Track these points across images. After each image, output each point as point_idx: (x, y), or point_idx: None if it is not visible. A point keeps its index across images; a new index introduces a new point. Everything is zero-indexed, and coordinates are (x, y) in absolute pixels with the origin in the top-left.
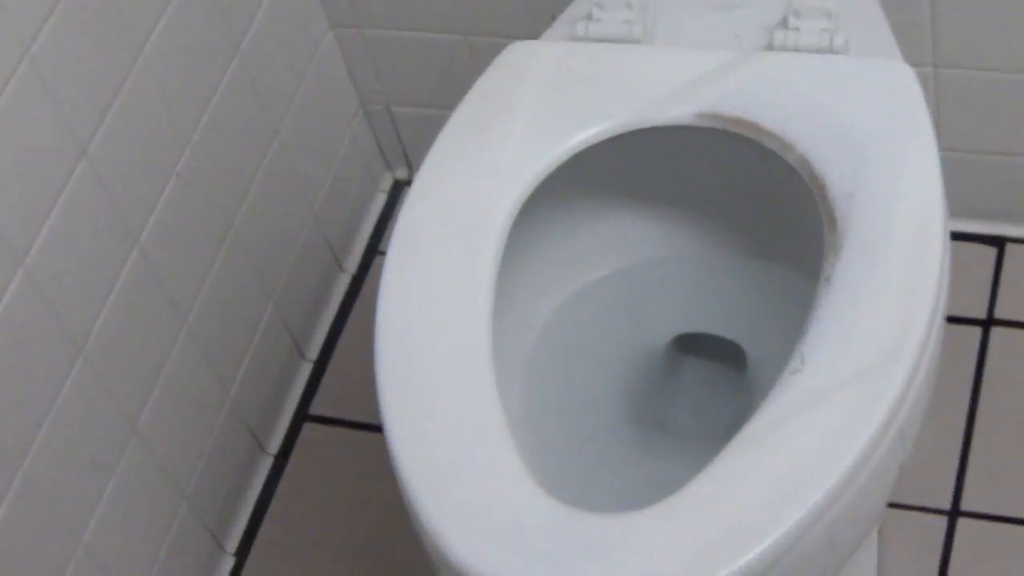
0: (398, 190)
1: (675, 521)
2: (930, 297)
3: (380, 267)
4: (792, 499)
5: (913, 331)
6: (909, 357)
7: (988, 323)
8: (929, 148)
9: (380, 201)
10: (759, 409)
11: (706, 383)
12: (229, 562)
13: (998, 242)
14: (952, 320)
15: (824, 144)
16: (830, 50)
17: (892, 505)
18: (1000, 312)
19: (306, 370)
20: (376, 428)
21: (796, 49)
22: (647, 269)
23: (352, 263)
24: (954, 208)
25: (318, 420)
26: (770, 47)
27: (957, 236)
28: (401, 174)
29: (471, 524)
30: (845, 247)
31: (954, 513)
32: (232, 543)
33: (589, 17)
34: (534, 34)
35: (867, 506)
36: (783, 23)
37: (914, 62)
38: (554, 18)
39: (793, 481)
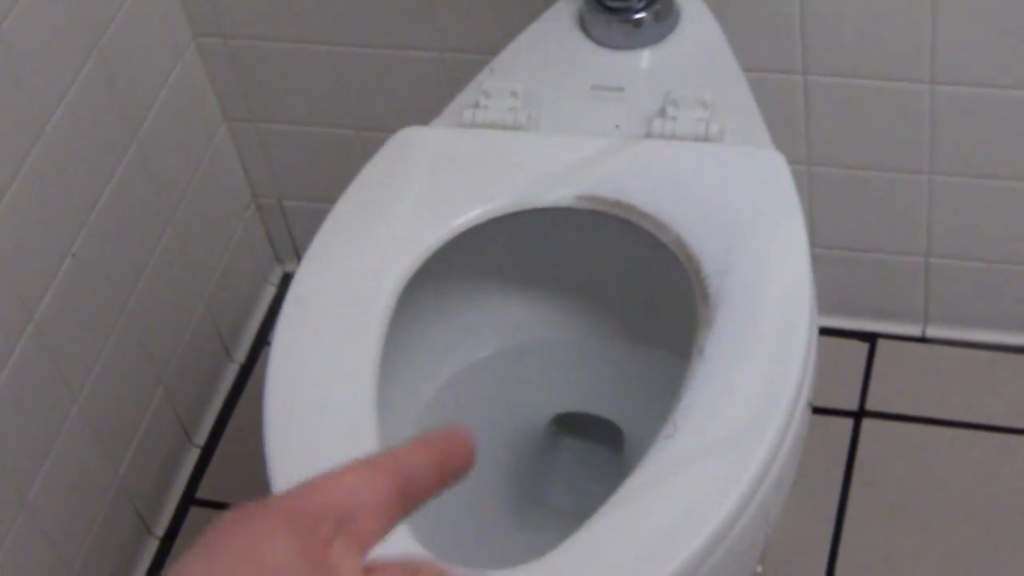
0: (288, 283)
1: None
2: (797, 370)
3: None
4: (662, 558)
5: (779, 401)
6: (775, 426)
7: (860, 415)
8: (798, 229)
9: (270, 294)
10: (634, 471)
11: (584, 461)
12: None
13: (870, 338)
14: (826, 411)
15: (698, 225)
16: (705, 138)
17: None
18: (871, 405)
19: (194, 455)
20: None
21: (673, 137)
22: (529, 350)
23: (241, 353)
24: (828, 304)
25: (205, 504)
26: (649, 135)
27: (831, 332)
28: (291, 268)
29: None
30: (717, 321)
31: None
32: None
33: (476, 105)
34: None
35: (734, 568)
36: (661, 112)
37: (789, 160)
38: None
39: (663, 540)
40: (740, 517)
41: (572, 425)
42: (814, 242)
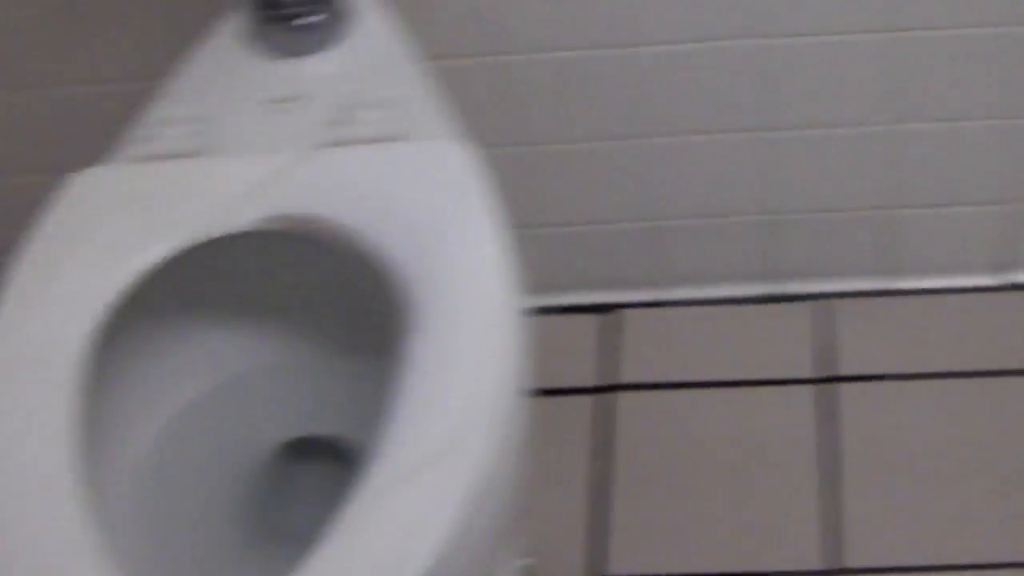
0: None
1: None
2: (505, 363)
3: None
4: None
5: (488, 402)
6: (486, 427)
7: (612, 389)
8: (484, 221)
9: None
10: (344, 504)
11: (320, 486)
12: None
13: (611, 309)
14: (569, 391)
15: (388, 231)
16: (389, 138)
17: None
18: (624, 377)
19: None
20: None
21: (357, 141)
22: (247, 380)
23: None
24: (563, 281)
25: None
26: (333, 142)
27: (570, 308)
28: None
29: None
30: (419, 328)
31: None
32: None
33: (148, 136)
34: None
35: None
36: (342, 118)
37: (496, 144)
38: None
39: (383, 569)
40: (469, 524)
41: (305, 450)
42: (534, 222)
